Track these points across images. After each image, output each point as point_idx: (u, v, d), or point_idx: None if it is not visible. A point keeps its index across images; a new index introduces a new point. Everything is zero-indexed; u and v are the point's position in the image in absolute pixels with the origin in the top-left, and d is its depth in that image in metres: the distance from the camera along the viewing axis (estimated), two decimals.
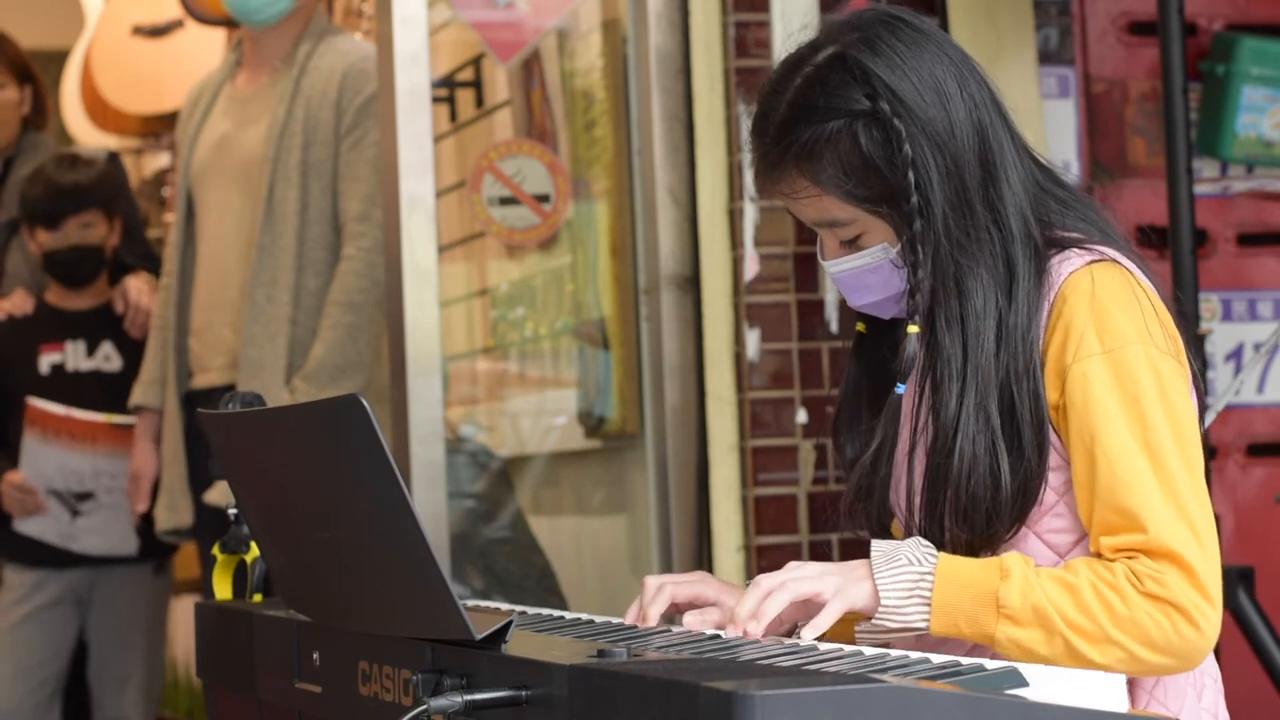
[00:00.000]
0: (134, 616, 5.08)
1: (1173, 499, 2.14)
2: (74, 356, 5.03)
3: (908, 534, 2.30)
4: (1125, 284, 2.23)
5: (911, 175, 2.22)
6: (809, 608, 2.18)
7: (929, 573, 2.15)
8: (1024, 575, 2.12)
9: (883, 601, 2.15)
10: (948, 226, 2.23)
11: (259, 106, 4.55)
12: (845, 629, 2.27)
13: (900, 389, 2.28)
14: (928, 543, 2.19)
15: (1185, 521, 2.13)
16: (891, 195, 2.24)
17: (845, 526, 2.40)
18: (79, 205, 4.96)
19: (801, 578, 2.16)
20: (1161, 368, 2.19)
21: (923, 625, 2.14)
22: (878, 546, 2.18)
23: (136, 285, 5.07)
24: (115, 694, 5.06)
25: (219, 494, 4.37)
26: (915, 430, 2.29)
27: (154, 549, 5.01)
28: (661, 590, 2.32)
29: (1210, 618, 2.13)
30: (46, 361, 5.03)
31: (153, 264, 5.17)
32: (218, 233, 4.55)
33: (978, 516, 2.21)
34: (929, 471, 2.25)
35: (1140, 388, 2.17)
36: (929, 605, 2.14)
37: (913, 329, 2.25)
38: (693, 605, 2.34)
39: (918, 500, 2.27)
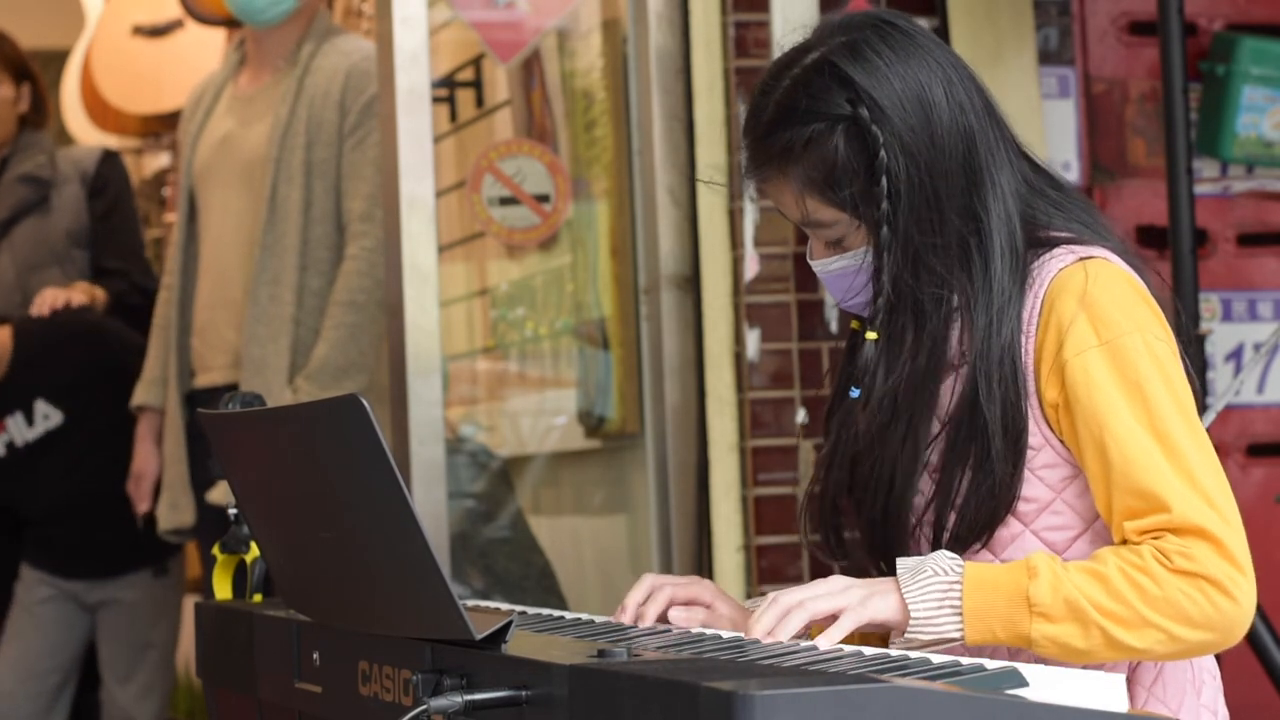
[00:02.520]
0: (137, 619, 5.07)
1: (1188, 478, 2.14)
2: (19, 431, 4.97)
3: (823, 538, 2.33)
4: (1114, 276, 2.23)
5: (884, 183, 2.23)
6: (829, 624, 2.17)
7: (957, 581, 2.14)
8: (1052, 571, 2.12)
9: (913, 615, 2.13)
10: (910, 237, 2.23)
11: (262, 106, 4.55)
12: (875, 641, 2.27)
13: (855, 393, 2.29)
14: (953, 554, 2.19)
15: (1204, 498, 2.13)
16: (866, 201, 2.24)
17: (800, 524, 2.42)
18: None
19: (821, 595, 2.15)
20: (1159, 352, 2.20)
21: (956, 635, 2.13)
22: (903, 563, 2.17)
23: (54, 291, 5.00)
24: (119, 694, 5.07)
25: (221, 493, 4.37)
26: (840, 436, 2.32)
27: (150, 554, 5.01)
28: (660, 591, 2.32)
29: (1244, 588, 2.11)
30: (0, 443, 4.98)
31: (140, 265, 5.14)
32: (220, 232, 4.55)
33: (898, 528, 2.24)
34: (853, 479, 2.29)
35: (1141, 374, 2.18)
36: (960, 614, 2.13)
37: (871, 335, 2.27)
38: (687, 605, 2.34)
39: (829, 507, 2.32)
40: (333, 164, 4.42)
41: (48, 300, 4.94)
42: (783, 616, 2.13)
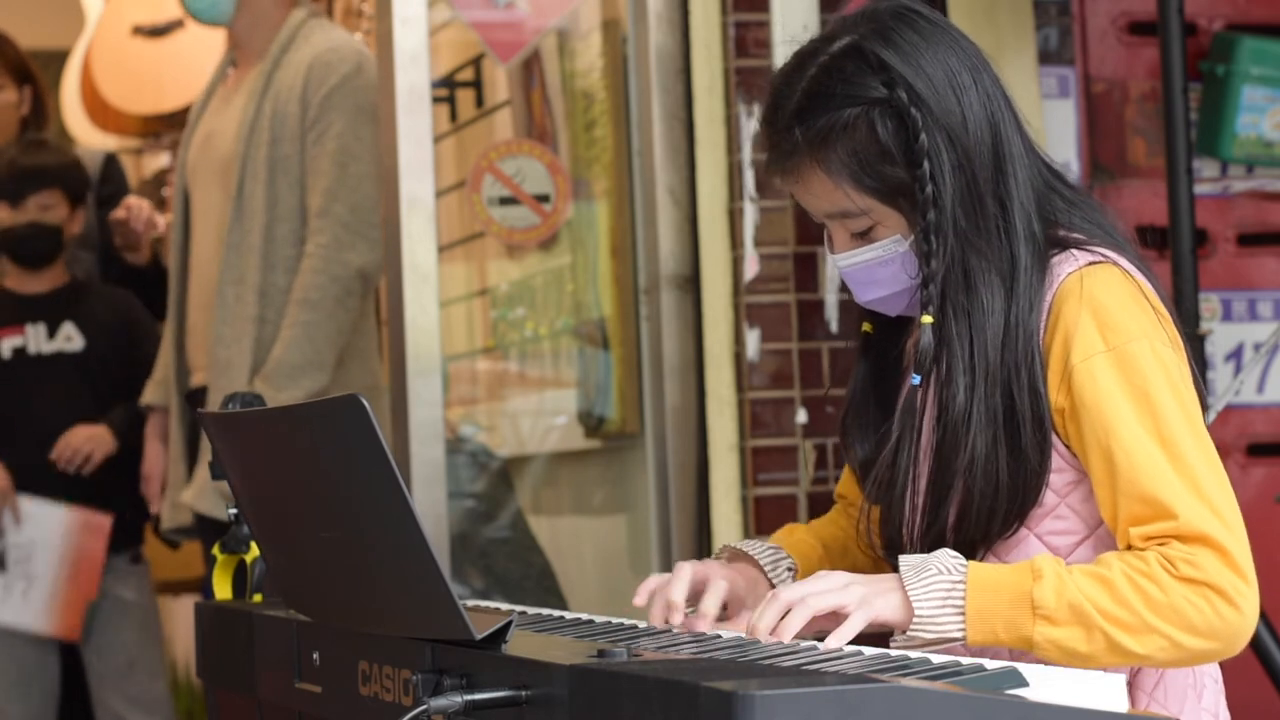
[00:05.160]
0: (121, 604, 5.05)
1: (1194, 486, 2.13)
2: (35, 340, 5.03)
3: (911, 531, 2.29)
4: (1123, 283, 2.23)
5: (927, 165, 2.21)
6: (834, 618, 2.16)
7: (961, 581, 2.13)
8: (1057, 574, 2.11)
9: (916, 613, 2.12)
10: (957, 218, 2.22)
11: (240, 103, 4.52)
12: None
13: (916, 380, 2.26)
14: (956, 553, 2.18)
15: (1210, 507, 2.13)
16: (906, 185, 2.23)
17: (863, 534, 2.37)
18: (42, 184, 4.98)
19: (822, 591, 2.14)
20: (1166, 360, 2.19)
21: (958, 635, 2.12)
22: (906, 560, 2.16)
23: (138, 201, 5.08)
24: (118, 685, 5.03)
25: (192, 494, 4.35)
26: (921, 424, 2.28)
27: (128, 538, 5.01)
28: (716, 587, 2.28)
29: (1249, 597, 2.11)
30: (8, 345, 5.03)
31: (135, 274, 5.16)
32: (204, 231, 4.52)
33: (978, 513, 2.21)
34: (936, 466, 2.24)
35: (1148, 381, 2.17)
36: (963, 614, 2.12)
37: (927, 319, 2.24)
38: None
39: (922, 496, 2.26)
40: (296, 160, 4.35)
41: (141, 206, 5.02)
42: (784, 612, 2.13)
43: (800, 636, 2.14)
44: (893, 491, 2.29)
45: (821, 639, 2.17)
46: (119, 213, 5.00)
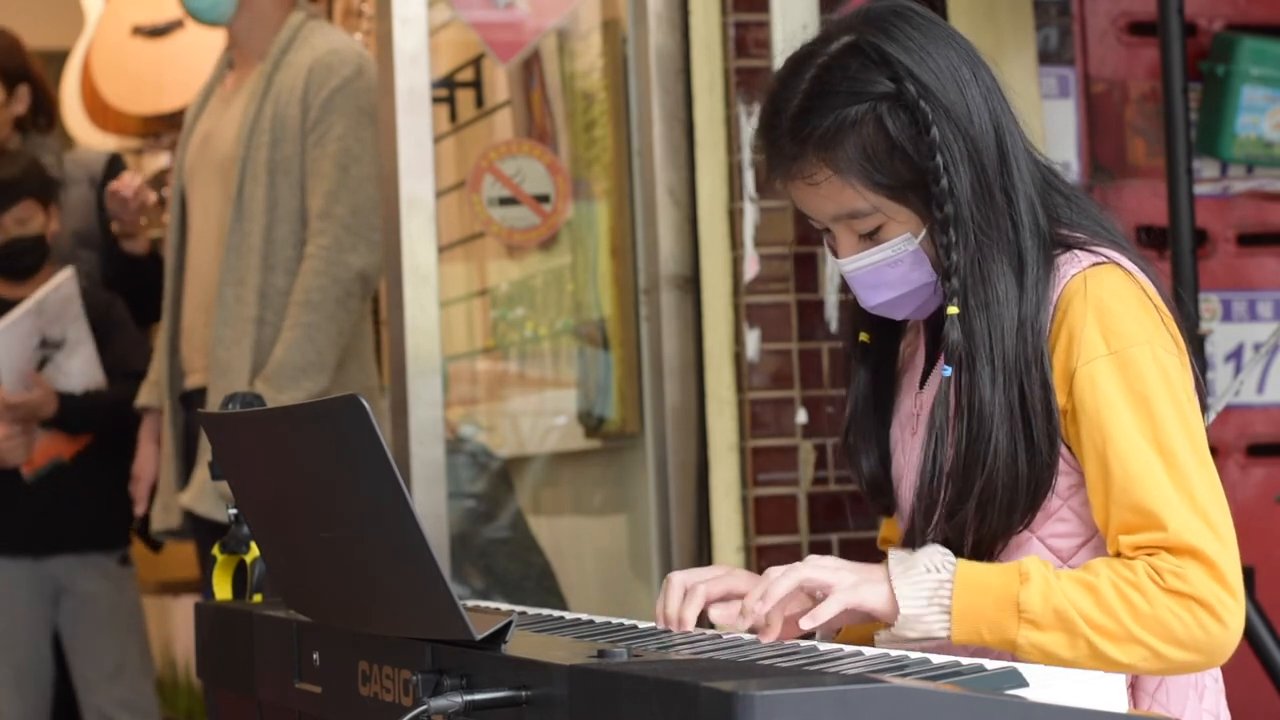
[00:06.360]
0: (109, 607, 5.04)
1: (1188, 497, 2.14)
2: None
3: (923, 525, 2.28)
4: (1127, 285, 2.23)
5: (940, 158, 2.20)
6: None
7: (948, 580, 2.13)
8: (1044, 578, 2.11)
9: (902, 611, 2.13)
10: (971, 211, 2.22)
11: (239, 104, 4.52)
12: (865, 634, 2.25)
13: (947, 371, 2.24)
14: (945, 549, 2.18)
15: (1202, 518, 2.13)
16: (918, 180, 2.22)
17: (927, 533, 2.33)
18: (11, 199, 4.96)
19: (815, 566, 2.15)
20: (1168, 366, 2.19)
21: (943, 634, 2.13)
22: (894, 555, 2.16)
23: (130, 175, 5.07)
24: (107, 688, 5.02)
25: (191, 496, 4.35)
26: (935, 418, 2.27)
27: (117, 538, 5.01)
28: (694, 592, 2.26)
29: (1234, 611, 2.12)
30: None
31: (136, 268, 5.16)
32: (202, 232, 4.52)
33: (999, 506, 2.20)
34: (962, 459, 2.22)
35: (1149, 388, 2.17)
36: (949, 613, 2.12)
37: (952, 310, 2.23)
38: (723, 600, 2.30)
39: (941, 490, 2.25)
40: (296, 161, 4.35)
41: (133, 181, 4.97)
42: (773, 582, 2.13)
43: (788, 634, 2.15)
44: (933, 487, 2.27)
45: (810, 637, 2.17)
46: (113, 185, 4.97)
